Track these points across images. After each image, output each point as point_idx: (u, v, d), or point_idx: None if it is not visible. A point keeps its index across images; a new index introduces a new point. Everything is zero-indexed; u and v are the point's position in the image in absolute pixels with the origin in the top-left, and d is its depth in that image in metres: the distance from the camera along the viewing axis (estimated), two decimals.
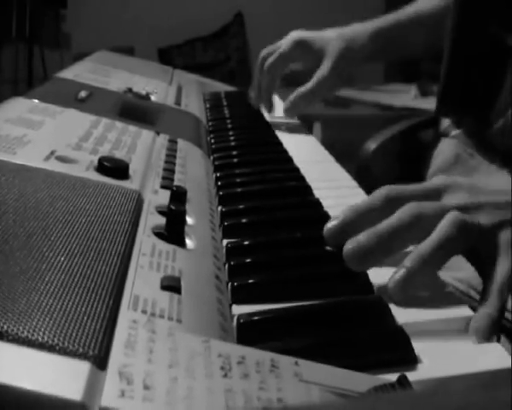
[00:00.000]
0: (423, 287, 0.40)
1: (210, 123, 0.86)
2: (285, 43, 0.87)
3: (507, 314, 0.53)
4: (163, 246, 0.39)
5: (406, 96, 2.31)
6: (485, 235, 0.41)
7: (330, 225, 0.43)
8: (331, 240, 0.43)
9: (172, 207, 0.41)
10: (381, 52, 0.86)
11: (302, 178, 0.62)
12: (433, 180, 0.46)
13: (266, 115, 0.95)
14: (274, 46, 0.90)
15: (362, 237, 0.40)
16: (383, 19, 0.88)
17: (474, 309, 0.40)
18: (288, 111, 0.86)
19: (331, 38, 0.84)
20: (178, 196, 0.44)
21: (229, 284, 0.40)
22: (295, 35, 0.88)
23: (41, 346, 0.25)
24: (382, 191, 0.44)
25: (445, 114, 0.78)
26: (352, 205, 0.44)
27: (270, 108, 0.92)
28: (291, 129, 0.91)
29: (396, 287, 0.38)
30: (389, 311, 0.37)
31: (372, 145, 1.04)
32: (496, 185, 0.45)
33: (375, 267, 0.41)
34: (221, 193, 0.57)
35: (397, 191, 0.43)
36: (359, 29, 0.86)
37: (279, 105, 0.95)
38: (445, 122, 0.81)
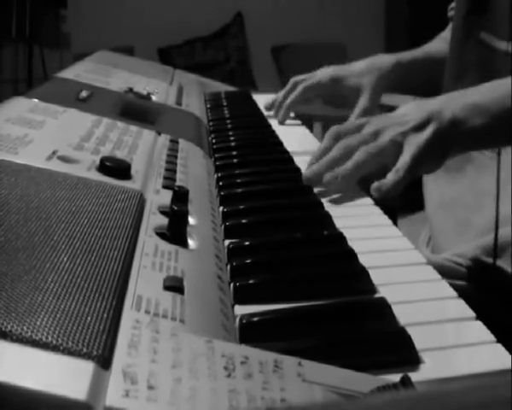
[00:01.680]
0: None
1: (211, 123, 0.86)
2: (321, 75, 0.95)
3: None
4: (165, 246, 0.39)
5: (408, 97, 2.31)
6: (394, 146, 0.59)
7: (305, 176, 0.62)
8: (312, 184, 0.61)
9: (175, 208, 0.41)
10: (399, 84, 0.98)
11: None
12: (361, 120, 0.66)
13: (266, 114, 0.95)
14: (307, 75, 0.96)
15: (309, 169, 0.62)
16: (401, 54, 0.97)
17: (470, 279, 0.42)
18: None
19: (363, 72, 0.95)
20: (180, 196, 0.44)
21: (232, 285, 0.40)
22: (330, 71, 0.96)
23: (45, 346, 0.25)
24: (329, 133, 0.65)
25: None
26: (312, 155, 0.64)
27: (283, 120, 0.95)
28: (292, 129, 0.91)
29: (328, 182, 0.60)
30: (391, 312, 0.38)
31: None
32: (400, 110, 0.63)
33: (372, 264, 0.44)
34: (222, 193, 0.57)
35: (338, 129, 0.64)
36: (384, 60, 0.95)
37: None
38: None
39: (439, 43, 0.99)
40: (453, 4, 0.88)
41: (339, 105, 1.01)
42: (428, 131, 0.59)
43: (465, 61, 0.77)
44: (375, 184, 0.58)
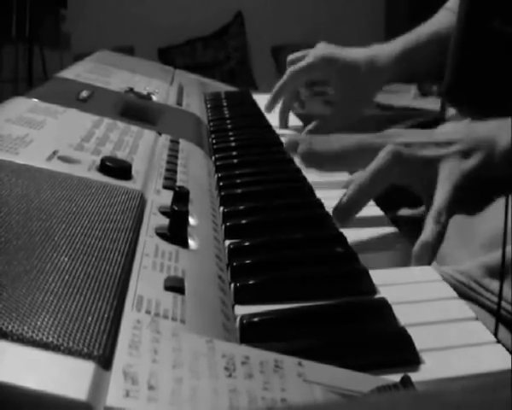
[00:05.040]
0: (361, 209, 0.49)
1: (211, 123, 0.86)
2: (313, 54, 0.89)
3: (507, 306, 0.53)
4: (166, 247, 0.39)
5: (406, 96, 2.31)
6: (427, 165, 0.49)
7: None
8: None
9: (175, 208, 0.41)
10: (402, 74, 0.90)
11: (304, 179, 0.62)
12: (386, 132, 0.54)
13: (267, 115, 0.95)
14: (302, 53, 0.91)
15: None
16: (405, 40, 0.90)
17: (474, 300, 0.41)
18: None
19: (359, 59, 0.89)
20: (181, 196, 0.44)
21: (232, 285, 0.40)
22: (324, 49, 0.90)
23: (46, 346, 0.25)
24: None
25: (452, 101, 0.77)
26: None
27: (285, 125, 0.92)
28: (292, 129, 0.92)
29: (339, 213, 0.48)
30: (392, 312, 0.38)
31: None
32: (443, 128, 0.54)
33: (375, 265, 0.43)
34: (223, 193, 0.57)
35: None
36: (385, 52, 0.89)
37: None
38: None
39: (447, 18, 0.88)
40: None
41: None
42: (475, 159, 0.49)
43: (475, 56, 0.69)
44: (417, 250, 0.46)
